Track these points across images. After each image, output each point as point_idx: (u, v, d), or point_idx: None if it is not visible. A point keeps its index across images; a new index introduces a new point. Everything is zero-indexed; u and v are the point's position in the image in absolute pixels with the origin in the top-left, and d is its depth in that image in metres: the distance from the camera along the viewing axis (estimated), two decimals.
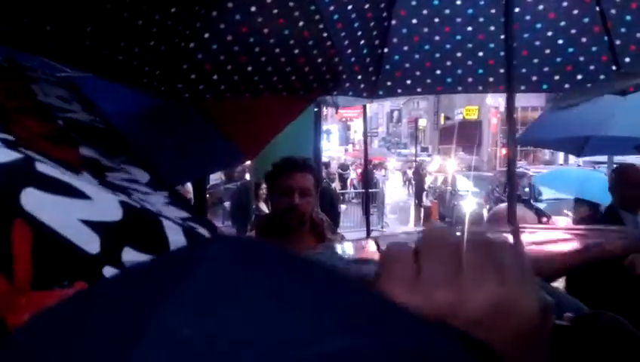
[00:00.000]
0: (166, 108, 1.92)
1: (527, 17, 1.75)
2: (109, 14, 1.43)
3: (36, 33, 1.29)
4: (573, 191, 6.33)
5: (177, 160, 2.14)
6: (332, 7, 1.73)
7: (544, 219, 8.90)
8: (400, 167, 24.34)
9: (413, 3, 1.82)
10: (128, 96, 1.85)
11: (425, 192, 16.56)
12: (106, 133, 0.81)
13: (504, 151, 24.17)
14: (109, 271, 0.50)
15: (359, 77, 1.93)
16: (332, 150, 26.99)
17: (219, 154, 2.35)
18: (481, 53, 1.83)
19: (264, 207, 9.29)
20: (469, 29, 1.82)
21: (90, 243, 0.52)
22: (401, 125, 44.30)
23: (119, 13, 1.45)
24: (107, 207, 0.56)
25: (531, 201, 10.01)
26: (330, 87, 1.88)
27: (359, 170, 19.67)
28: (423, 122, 36.14)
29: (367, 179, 2.94)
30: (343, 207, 11.32)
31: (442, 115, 33.48)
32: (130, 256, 0.53)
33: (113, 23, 1.46)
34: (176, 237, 0.59)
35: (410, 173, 20.03)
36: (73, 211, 0.53)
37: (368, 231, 2.35)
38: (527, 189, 10.57)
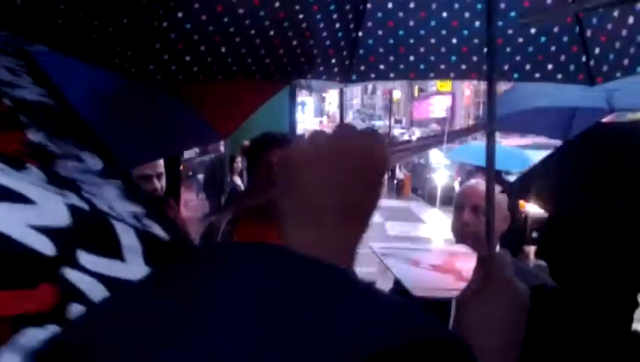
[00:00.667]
0: (132, 85, 1.89)
1: (502, 5, 1.76)
2: None
3: (7, 6, 1.24)
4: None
5: (146, 137, 2.12)
6: None
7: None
8: None
9: None
10: (92, 73, 1.82)
11: (398, 165, 16.67)
12: (57, 112, 0.75)
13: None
14: (69, 273, 0.48)
15: (333, 61, 1.92)
16: (307, 122, 26.90)
17: (191, 131, 2.33)
18: (454, 40, 1.83)
19: (239, 181, 9.27)
20: (444, 15, 1.82)
21: (45, 246, 0.49)
22: (375, 97, 44.28)
23: None
24: (54, 212, 0.53)
25: (502, 175, 10.16)
26: (305, 70, 1.87)
27: None
28: (397, 94, 36.18)
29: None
30: None
31: (416, 86, 33.56)
32: (85, 259, 0.51)
33: (87, 1, 1.41)
34: (129, 241, 0.56)
35: None
36: (20, 217, 0.50)
37: None
38: None
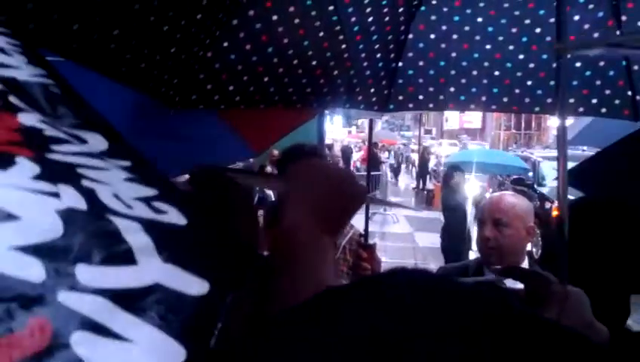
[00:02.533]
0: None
1: (548, 38, 1.74)
2: (136, 17, 1.39)
3: (63, 32, 1.25)
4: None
5: (183, 150, 2.14)
6: (354, 19, 1.72)
7: (547, 205, 8.93)
8: (404, 149, 24.26)
9: (433, 18, 1.80)
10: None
11: (428, 175, 16.58)
12: (54, 92, 0.68)
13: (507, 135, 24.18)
14: (66, 297, 0.42)
15: (372, 90, 1.92)
16: (335, 132, 26.90)
17: (226, 147, 2.33)
18: (497, 72, 1.82)
19: (268, 191, 9.32)
20: (488, 47, 1.81)
21: (32, 270, 0.43)
22: None
23: (146, 17, 1.42)
24: (41, 223, 0.46)
25: (535, 186, 10.03)
26: (343, 100, 1.87)
27: (362, 153, 19.65)
28: None
29: (370, 161, 2.96)
30: None
31: None
32: (86, 274, 0.44)
33: (140, 27, 1.43)
34: (136, 240, 0.50)
35: (415, 156, 19.96)
36: (0, 240, 0.43)
37: (367, 218, 2.36)
38: (530, 174, 10.58)
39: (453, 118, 32.69)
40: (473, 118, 30.32)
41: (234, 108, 1.81)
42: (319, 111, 2.21)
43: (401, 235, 10.25)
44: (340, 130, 30.29)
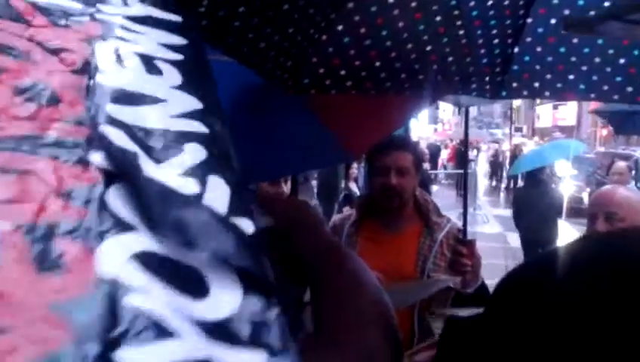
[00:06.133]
0: (278, 99, 1.92)
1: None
2: None
3: (191, 9, 1.27)
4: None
5: (280, 153, 2.16)
6: (473, 3, 1.67)
7: None
8: (490, 148, 23.57)
9: (555, 2, 1.72)
10: (246, 85, 1.88)
11: (520, 174, 16.01)
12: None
13: (605, 132, 22.87)
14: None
15: (487, 77, 1.87)
16: (421, 129, 26.52)
17: (323, 153, 2.32)
18: (622, 60, 1.72)
19: (354, 187, 9.31)
20: None
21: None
22: (493, 104, 42.81)
23: None
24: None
25: (637, 185, 9.50)
26: (457, 87, 1.83)
27: (448, 151, 19.27)
28: (517, 101, 34.69)
29: (464, 159, 2.89)
30: (434, 188, 11.18)
31: None
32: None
33: (262, 4, 1.44)
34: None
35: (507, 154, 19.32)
36: None
37: (465, 214, 2.30)
38: (633, 172, 10.09)
39: (545, 115, 31.38)
40: (567, 115, 28.97)
41: (345, 93, 1.81)
42: (428, 102, 2.17)
43: (492, 235, 9.98)
44: (425, 128, 29.85)
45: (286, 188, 2.97)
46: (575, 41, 1.75)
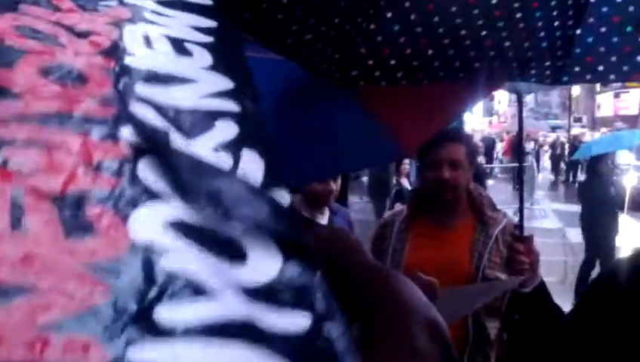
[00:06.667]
0: (326, 95, 1.87)
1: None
2: None
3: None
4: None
5: (331, 151, 2.09)
6: None
7: None
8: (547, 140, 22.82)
9: None
10: (292, 81, 1.83)
11: (579, 166, 15.48)
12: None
13: None
14: None
15: (547, 62, 1.76)
16: (475, 122, 25.99)
17: (377, 150, 2.23)
18: None
19: (406, 183, 9.21)
20: None
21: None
22: (551, 93, 41.48)
23: None
24: None
25: None
26: (515, 74, 1.74)
27: (504, 144, 18.80)
28: (576, 90, 33.50)
29: (520, 151, 2.80)
30: (489, 182, 10.93)
31: None
32: None
33: None
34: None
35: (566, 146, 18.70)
36: None
37: (522, 209, 2.20)
38: None
39: (606, 104, 30.22)
40: (630, 103, 27.81)
41: (395, 85, 1.74)
42: (485, 92, 2.07)
43: (550, 231, 9.69)
44: (479, 120, 29.21)
45: (335, 185, 2.92)
46: None
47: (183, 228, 0.42)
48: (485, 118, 34.82)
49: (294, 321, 0.41)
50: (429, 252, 2.09)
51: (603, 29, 1.70)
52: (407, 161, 8.80)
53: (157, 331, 0.36)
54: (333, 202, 3.04)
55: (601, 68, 1.77)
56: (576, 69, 1.80)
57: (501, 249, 2.05)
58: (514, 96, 2.36)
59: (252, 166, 0.49)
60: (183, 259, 0.41)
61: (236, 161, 0.48)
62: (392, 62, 1.68)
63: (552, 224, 10.76)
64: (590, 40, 1.74)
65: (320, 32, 1.49)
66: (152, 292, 0.38)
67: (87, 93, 0.49)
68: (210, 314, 0.38)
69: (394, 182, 9.53)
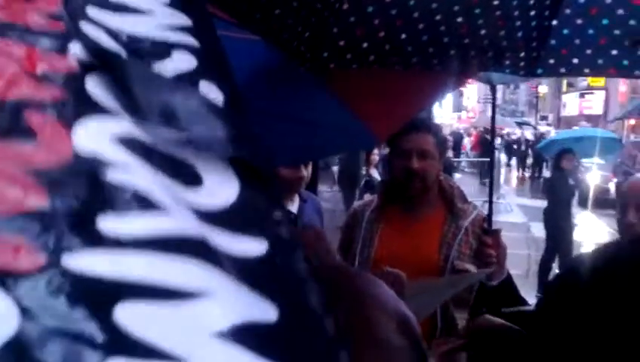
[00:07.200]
0: (294, 80, 1.81)
1: None
2: None
3: None
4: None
5: (302, 136, 2.04)
6: None
7: None
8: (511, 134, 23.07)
9: None
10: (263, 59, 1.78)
11: (545, 162, 15.79)
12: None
13: (633, 122, 22.34)
14: None
15: (522, 53, 1.73)
16: (445, 117, 26.21)
17: (349, 135, 2.16)
18: None
19: (375, 173, 9.20)
20: None
21: None
22: (518, 91, 42.10)
23: None
24: None
25: None
26: (489, 63, 1.71)
27: (472, 138, 19.03)
28: (543, 88, 34.05)
29: (491, 146, 2.85)
30: (457, 175, 11.03)
31: (564, 81, 31.48)
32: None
33: None
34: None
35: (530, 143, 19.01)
36: None
37: (491, 202, 2.20)
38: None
39: (571, 104, 30.83)
40: (594, 104, 28.42)
41: (366, 68, 1.69)
42: (458, 80, 2.03)
43: (515, 224, 9.82)
44: (449, 115, 29.49)
45: (306, 172, 2.86)
46: (621, 12, 1.61)
47: (133, 145, 0.40)
48: (455, 113, 35.14)
49: (250, 246, 0.40)
50: (399, 243, 2.06)
51: (579, 21, 1.68)
52: (376, 151, 8.79)
53: (98, 240, 0.35)
54: (303, 189, 2.98)
55: (575, 61, 1.75)
56: (551, 61, 1.78)
57: (470, 241, 2.04)
58: (483, 93, 2.35)
59: (211, 95, 0.46)
60: (132, 173, 0.39)
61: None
62: (365, 44, 1.63)
63: (516, 218, 10.93)
64: (566, 31, 1.72)
65: (290, 7, 1.44)
66: (95, 202, 0.37)
67: (35, 9, 0.46)
68: (158, 228, 0.37)
69: (363, 172, 9.52)
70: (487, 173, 12.73)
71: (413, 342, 0.62)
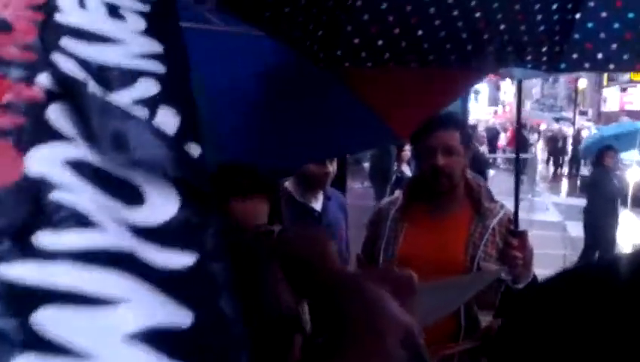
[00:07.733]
0: (311, 76, 1.80)
1: None
2: None
3: None
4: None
5: (320, 134, 2.04)
6: None
7: None
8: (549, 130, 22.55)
9: None
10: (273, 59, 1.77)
11: (583, 160, 15.40)
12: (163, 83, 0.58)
13: None
14: None
15: (544, 48, 1.68)
16: (480, 111, 25.82)
17: (368, 133, 2.16)
18: None
19: (407, 170, 9.14)
20: None
21: None
22: (557, 85, 41.15)
23: None
24: None
25: None
26: (510, 58, 1.66)
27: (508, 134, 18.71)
28: (582, 83, 33.20)
29: (519, 140, 2.73)
30: (491, 172, 10.85)
31: (605, 75, 30.67)
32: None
33: None
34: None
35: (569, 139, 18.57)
36: None
37: (517, 203, 2.14)
38: None
39: (612, 98, 30.01)
40: (635, 98, 27.60)
41: (382, 66, 1.66)
42: (472, 82, 2.00)
43: (550, 223, 9.62)
44: (484, 110, 29.01)
45: (332, 168, 2.84)
46: None
47: (82, 168, 0.44)
48: (491, 107, 34.59)
49: (178, 259, 0.43)
50: (424, 241, 2.03)
51: (604, 14, 1.62)
52: (407, 147, 8.73)
53: (32, 252, 0.39)
54: (329, 186, 2.96)
55: (600, 56, 1.69)
56: (575, 55, 1.72)
57: (497, 241, 1.99)
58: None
59: (166, 120, 0.50)
60: (74, 194, 0.43)
61: (152, 114, 0.50)
62: (380, 42, 1.60)
63: (552, 217, 10.71)
64: (590, 25, 1.66)
65: (300, 4, 1.42)
66: (35, 219, 0.40)
67: (12, 40, 0.50)
68: (89, 243, 0.41)
69: (394, 168, 9.47)
70: (523, 170, 12.53)
71: (414, 353, 0.63)
